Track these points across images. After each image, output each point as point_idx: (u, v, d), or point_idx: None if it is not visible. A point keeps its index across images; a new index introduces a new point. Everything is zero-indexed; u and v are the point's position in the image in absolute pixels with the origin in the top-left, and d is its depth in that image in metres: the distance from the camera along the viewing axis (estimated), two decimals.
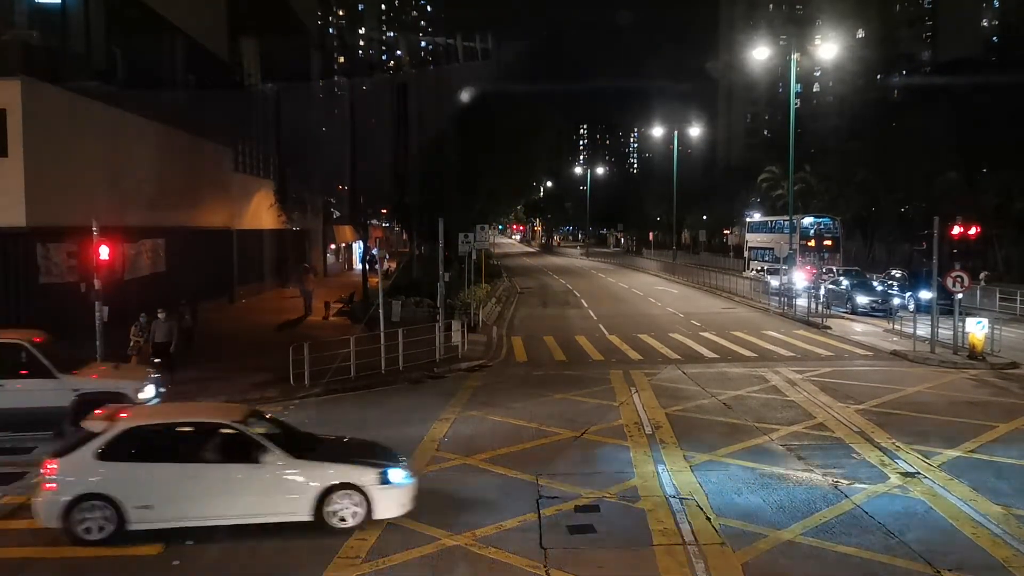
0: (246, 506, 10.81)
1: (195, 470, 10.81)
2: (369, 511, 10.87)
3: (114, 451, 10.69)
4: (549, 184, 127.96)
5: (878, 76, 78.49)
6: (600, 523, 11.32)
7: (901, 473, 13.53)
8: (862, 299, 36.57)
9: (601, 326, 33.23)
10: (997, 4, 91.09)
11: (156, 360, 19.38)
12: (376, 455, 11.75)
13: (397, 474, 11.15)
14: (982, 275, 29.49)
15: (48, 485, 10.53)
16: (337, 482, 10.83)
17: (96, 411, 11.67)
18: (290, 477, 10.86)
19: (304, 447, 11.41)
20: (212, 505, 10.73)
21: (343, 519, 10.84)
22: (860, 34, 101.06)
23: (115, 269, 20.47)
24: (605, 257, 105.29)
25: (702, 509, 11.78)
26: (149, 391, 15.84)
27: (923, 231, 52.72)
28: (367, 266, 39.76)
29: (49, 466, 10.62)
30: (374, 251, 35.17)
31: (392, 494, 10.99)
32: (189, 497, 10.69)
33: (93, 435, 10.87)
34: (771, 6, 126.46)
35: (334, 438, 12.66)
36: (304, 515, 10.80)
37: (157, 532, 10.66)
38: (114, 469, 10.62)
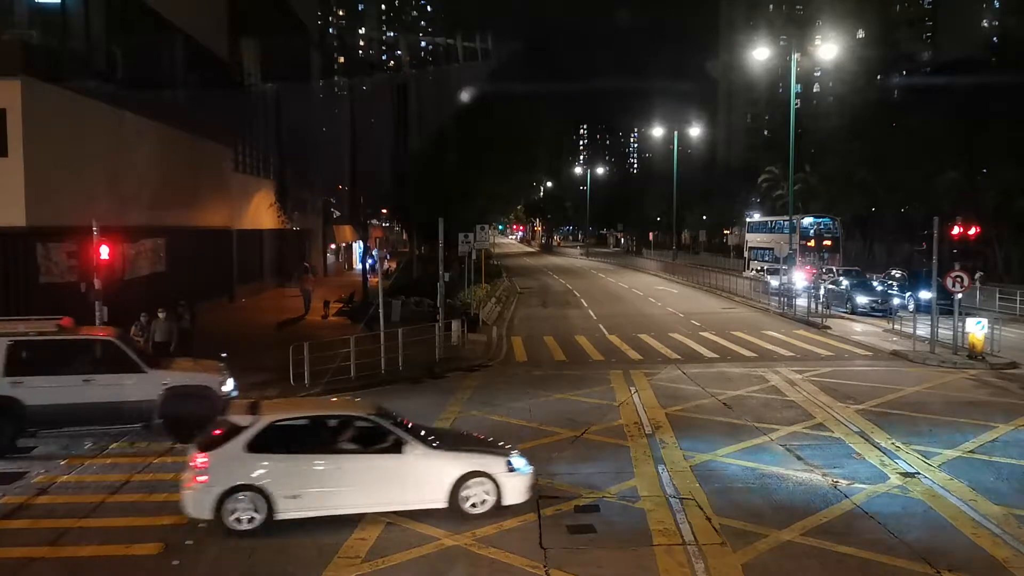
0: (389, 494, 11.24)
1: (342, 461, 11.21)
2: (499, 498, 11.40)
3: (262, 444, 10.99)
4: (549, 184, 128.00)
5: (878, 76, 78.34)
6: (600, 523, 11.32)
7: (901, 473, 13.53)
8: (862, 299, 36.56)
9: (601, 326, 33.24)
10: (997, 4, 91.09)
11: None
12: (487, 445, 12.41)
13: (520, 462, 11.75)
14: (977, 275, 29.53)
15: (199, 478, 10.71)
16: (471, 470, 11.36)
17: (234, 404, 12.16)
18: (430, 466, 11.30)
19: (430, 438, 11.87)
20: (357, 494, 11.14)
21: (475, 505, 11.36)
22: (860, 34, 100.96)
23: (115, 269, 20.48)
24: (605, 257, 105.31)
25: (702, 509, 11.78)
26: (229, 384, 16.19)
27: (923, 231, 52.83)
28: (367, 266, 39.77)
29: (199, 460, 10.78)
30: (374, 251, 35.18)
31: (517, 481, 11.54)
32: (336, 487, 11.06)
33: (238, 428, 11.11)
34: (771, 6, 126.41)
35: (440, 430, 12.92)
36: (440, 502, 11.28)
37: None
38: (264, 461, 10.93)
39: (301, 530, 10.99)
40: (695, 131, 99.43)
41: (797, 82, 45.32)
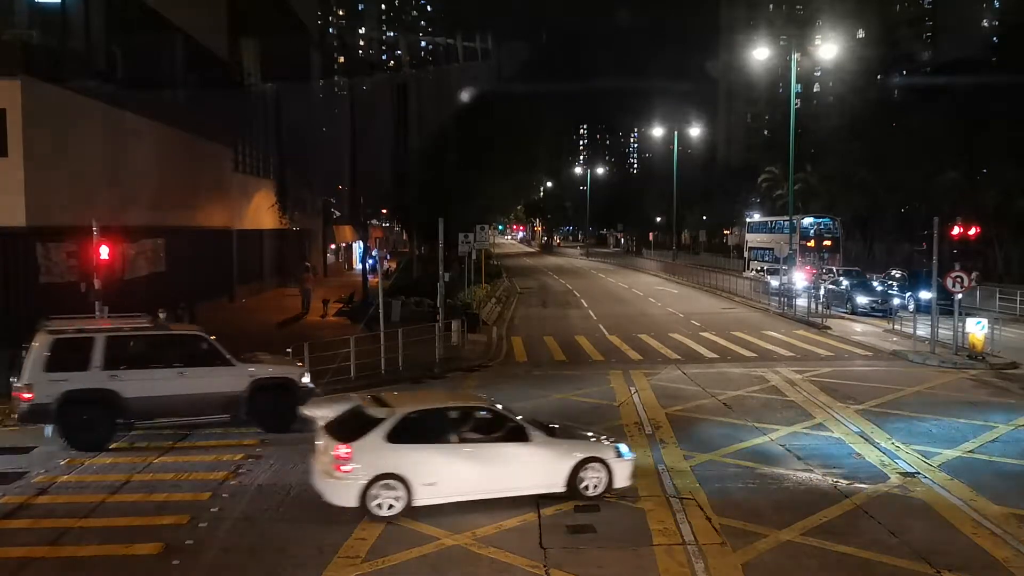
0: (517, 479, 11.88)
1: (473, 449, 11.82)
2: (610, 481, 12.15)
3: (399, 434, 11.51)
4: (549, 184, 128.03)
5: (878, 76, 78.34)
6: (600, 523, 11.33)
7: (901, 473, 13.53)
8: (862, 299, 36.56)
9: (601, 326, 33.23)
10: (997, 4, 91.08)
11: None
12: (588, 433, 13.25)
13: (625, 449, 12.57)
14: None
15: (344, 468, 11.14)
16: (588, 456, 12.11)
17: (363, 395, 12.75)
18: (552, 453, 12.02)
19: (550, 426, 12.69)
20: (488, 480, 11.74)
21: (589, 488, 12.08)
22: (860, 34, 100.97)
23: (115, 269, 20.46)
24: (605, 257, 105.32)
25: (702, 509, 11.78)
26: (307, 377, 16.96)
27: (923, 231, 52.82)
28: (367, 266, 39.76)
29: (342, 451, 11.19)
30: (374, 251, 35.16)
31: (625, 466, 12.33)
32: (471, 474, 11.65)
33: (375, 420, 11.60)
34: (771, 6, 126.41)
35: (544, 420, 13.45)
36: (559, 487, 11.97)
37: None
38: (403, 451, 11.44)
39: (301, 530, 10.99)
40: (695, 131, 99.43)
41: (797, 82, 45.33)
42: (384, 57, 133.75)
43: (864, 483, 13.01)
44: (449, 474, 11.55)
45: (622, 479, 12.27)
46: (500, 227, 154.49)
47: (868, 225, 65.86)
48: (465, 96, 55.46)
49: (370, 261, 39.03)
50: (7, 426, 16.53)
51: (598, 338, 29.76)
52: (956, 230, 33.39)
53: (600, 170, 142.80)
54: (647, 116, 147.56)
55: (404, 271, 48.38)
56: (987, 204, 49.24)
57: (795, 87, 43.55)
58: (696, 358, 25.32)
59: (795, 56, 44.59)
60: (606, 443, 12.53)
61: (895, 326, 30.95)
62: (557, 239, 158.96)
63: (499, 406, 12.60)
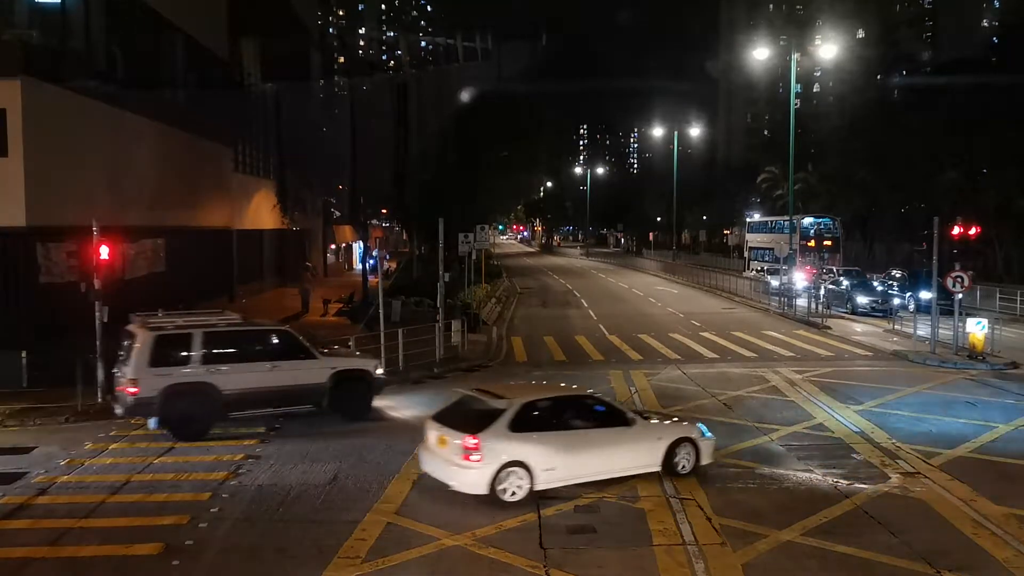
0: (622, 461, 12.76)
1: (586, 435, 12.63)
2: (697, 458, 13.21)
3: (519, 424, 12.12)
4: (549, 184, 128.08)
5: (878, 76, 78.13)
6: (600, 523, 11.33)
7: (901, 473, 13.54)
8: (862, 299, 36.56)
9: (601, 326, 33.23)
10: (997, 4, 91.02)
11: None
12: (674, 417, 14.41)
13: (706, 429, 13.71)
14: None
15: (474, 458, 11.69)
16: (680, 437, 13.16)
17: (480, 389, 13.52)
18: (651, 436, 13.04)
19: (644, 413, 13.95)
20: (599, 463, 12.55)
21: (681, 466, 13.10)
22: (860, 34, 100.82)
23: (115, 269, 20.46)
24: (605, 257, 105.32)
25: (702, 509, 11.78)
26: (380, 369, 18.29)
27: (923, 231, 52.79)
28: (367, 266, 39.75)
29: (470, 442, 11.73)
30: (374, 251, 35.17)
31: (708, 444, 13.41)
32: (584, 457, 12.40)
33: (497, 411, 12.20)
34: (771, 6, 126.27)
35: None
36: (656, 466, 12.99)
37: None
38: (524, 439, 12.05)
39: (301, 530, 10.99)
40: (695, 131, 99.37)
41: (797, 82, 45.31)
42: (384, 57, 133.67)
43: (864, 483, 13.02)
44: (565, 459, 12.19)
45: (706, 456, 13.30)
46: (500, 227, 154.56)
47: (868, 225, 65.82)
48: (465, 96, 55.48)
49: (370, 261, 39.04)
50: (7, 426, 16.57)
51: (598, 338, 29.76)
52: (956, 230, 33.42)
53: (600, 170, 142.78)
54: (647, 116, 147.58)
55: (404, 271, 48.39)
56: (987, 204, 49.21)
57: (795, 87, 43.52)
58: (696, 358, 25.32)
59: (795, 56, 44.53)
60: (692, 425, 13.65)
61: (895, 326, 30.95)
62: (557, 239, 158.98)
63: (600, 394, 13.57)
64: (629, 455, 12.77)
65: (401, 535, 10.83)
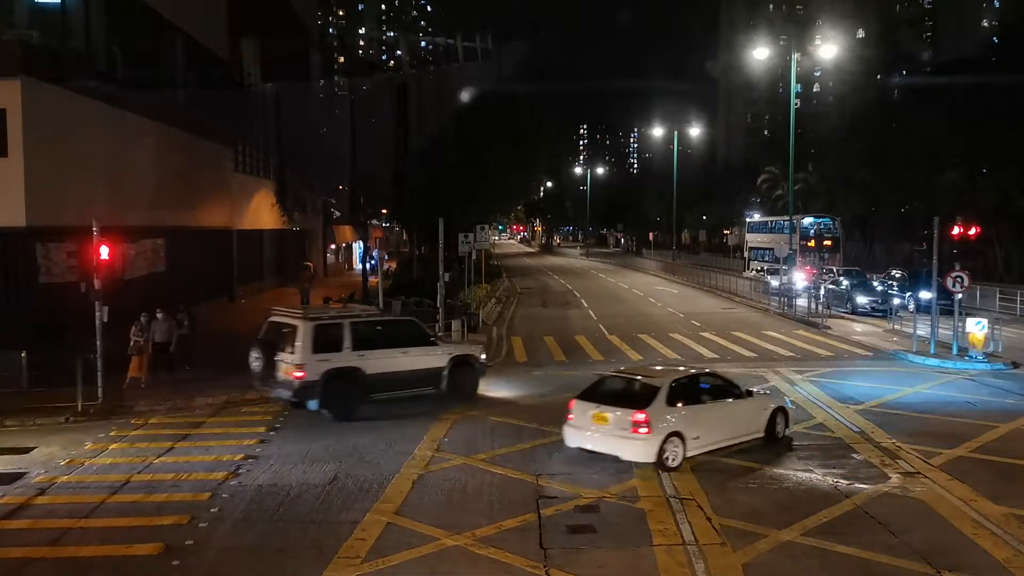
0: (742, 427, 14.66)
1: (718, 407, 14.51)
2: (787, 426, 15.36)
3: (672, 399, 13.69)
4: (549, 184, 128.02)
5: (878, 76, 78.16)
6: (600, 523, 11.32)
7: (901, 473, 13.53)
8: (862, 299, 36.55)
9: (601, 326, 33.22)
10: (997, 4, 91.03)
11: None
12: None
13: (788, 400, 16.39)
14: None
15: (643, 431, 13.15)
16: (777, 406, 15.29)
17: (645, 372, 15.14)
18: (761, 407, 15.05)
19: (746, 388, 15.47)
20: (727, 430, 14.42)
21: (778, 432, 15.15)
22: (860, 34, 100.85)
23: (115, 269, 20.46)
24: (605, 257, 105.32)
25: (702, 509, 11.77)
26: (484, 355, 20.12)
27: (923, 231, 52.84)
28: (367, 266, 39.75)
29: (639, 416, 13.20)
30: (374, 251, 35.16)
31: (792, 414, 15.72)
32: (717, 426, 14.26)
33: (654, 388, 13.73)
34: (771, 6, 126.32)
35: None
36: (761, 432, 14.94)
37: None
38: (679, 412, 13.66)
39: (301, 530, 10.99)
40: (695, 131, 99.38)
41: (797, 82, 45.31)
42: (384, 57, 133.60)
43: (864, 483, 13.02)
44: (706, 428, 13.92)
45: (791, 426, 15.52)
46: (500, 227, 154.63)
47: (868, 225, 65.86)
48: (465, 96, 55.42)
49: (370, 261, 39.05)
50: (7, 426, 16.57)
51: (598, 338, 29.75)
52: (956, 230, 33.44)
53: (600, 170, 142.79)
54: (647, 116, 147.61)
55: (404, 271, 48.36)
56: (987, 204, 49.18)
57: (795, 87, 43.51)
58: (696, 358, 25.30)
59: (795, 56, 44.53)
60: (782, 396, 16.33)
61: (895, 326, 30.94)
62: (557, 239, 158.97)
63: (720, 373, 15.76)
64: (744, 423, 14.61)
65: (401, 535, 10.83)
